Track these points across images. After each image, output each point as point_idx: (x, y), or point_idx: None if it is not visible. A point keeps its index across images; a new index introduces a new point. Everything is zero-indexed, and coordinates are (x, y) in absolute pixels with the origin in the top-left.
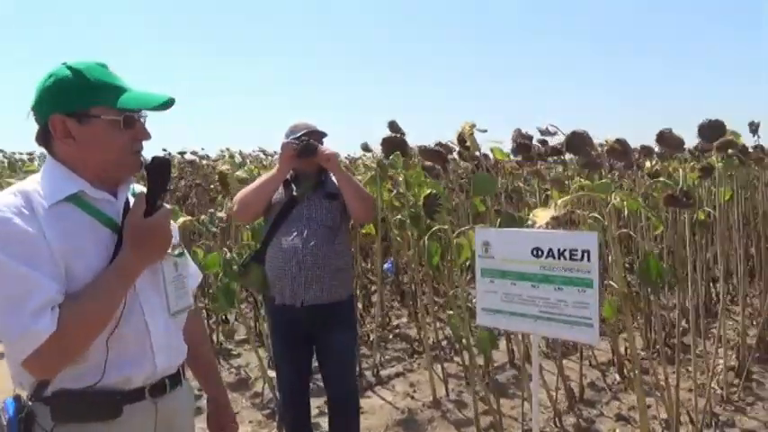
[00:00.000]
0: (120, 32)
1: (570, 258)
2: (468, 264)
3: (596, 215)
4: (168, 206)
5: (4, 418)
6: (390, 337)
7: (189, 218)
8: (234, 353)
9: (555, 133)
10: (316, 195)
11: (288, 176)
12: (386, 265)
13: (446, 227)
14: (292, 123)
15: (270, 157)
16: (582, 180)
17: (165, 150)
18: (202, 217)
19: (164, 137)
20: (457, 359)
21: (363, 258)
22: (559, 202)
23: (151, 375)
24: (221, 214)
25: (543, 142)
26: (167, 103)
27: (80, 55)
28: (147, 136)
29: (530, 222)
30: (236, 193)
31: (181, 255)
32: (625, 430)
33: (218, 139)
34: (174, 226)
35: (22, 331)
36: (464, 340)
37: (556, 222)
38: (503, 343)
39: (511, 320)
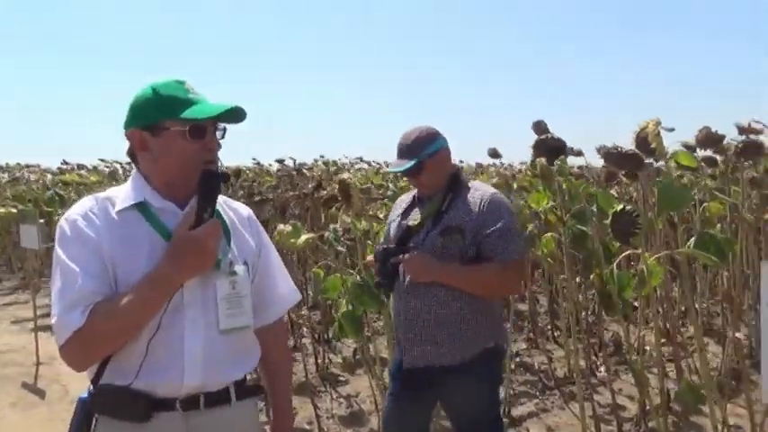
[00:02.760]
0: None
1: None
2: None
3: None
4: (215, 219)
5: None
6: (512, 366)
7: (312, 235)
8: (341, 379)
9: (761, 131)
10: (434, 227)
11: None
12: None
13: (638, 251)
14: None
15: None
16: None
17: (254, 160)
18: (326, 233)
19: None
20: (598, 397)
21: None
22: None
23: (177, 389)
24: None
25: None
26: (233, 112)
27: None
28: (215, 146)
29: None
30: (358, 205)
31: (234, 273)
32: None
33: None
34: (222, 243)
35: (56, 321)
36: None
37: None
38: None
39: None
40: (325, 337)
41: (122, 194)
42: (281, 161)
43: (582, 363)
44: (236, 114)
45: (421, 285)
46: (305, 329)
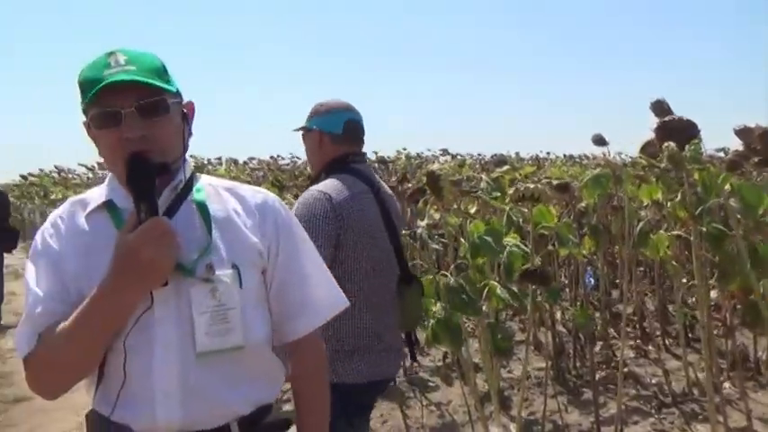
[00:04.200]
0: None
1: None
2: None
3: None
4: (162, 217)
5: None
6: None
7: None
8: (431, 384)
9: None
10: None
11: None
12: (587, 276)
13: None
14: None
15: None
16: None
17: (273, 157)
18: (418, 230)
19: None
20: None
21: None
22: None
23: (152, 426)
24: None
25: None
26: (118, 84)
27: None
28: (131, 133)
29: None
30: (450, 198)
31: (209, 280)
32: None
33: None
34: (208, 234)
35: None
36: None
37: None
38: None
39: None
40: (413, 337)
41: (96, 194)
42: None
43: (702, 376)
44: (146, 90)
45: None
46: None
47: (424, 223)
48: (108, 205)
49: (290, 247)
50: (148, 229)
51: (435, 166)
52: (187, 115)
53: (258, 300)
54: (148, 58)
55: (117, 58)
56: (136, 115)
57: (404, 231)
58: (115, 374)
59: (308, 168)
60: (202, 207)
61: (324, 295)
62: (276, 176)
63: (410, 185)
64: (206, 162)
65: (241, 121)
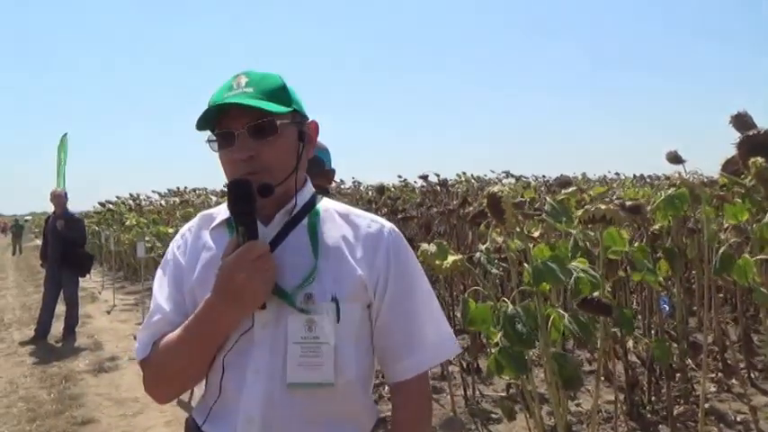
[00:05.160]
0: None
1: None
2: None
3: None
4: (258, 241)
5: None
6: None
7: (460, 257)
8: (494, 416)
9: None
10: None
11: None
12: (661, 303)
13: None
14: None
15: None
16: None
17: (399, 177)
18: (476, 254)
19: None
20: None
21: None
22: None
23: None
24: (486, 246)
25: None
26: (250, 109)
27: None
28: (239, 154)
29: None
30: (512, 221)
31: (305, 311)
32: None
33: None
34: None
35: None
36: None
37: None
38: None
39: None
40: (475, 365)
41: (223, 209)
42: (424, 177)
43: None
44: (256, 112)
45: None
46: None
47: (483, 247)
48: (228, 222)
49: (400, 283)
50: (243, 253)
51: (496, 188)
52: (307, 135)
53: (358, 336)
54: (269, 80)
55: (239, 80)
56: (247, 136)
57: (461, 256)
58: (213, 388)
59: (369, 193)
60: (312, 232)
61: (432, 339)
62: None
63: (471, 209)
64: None
65: None
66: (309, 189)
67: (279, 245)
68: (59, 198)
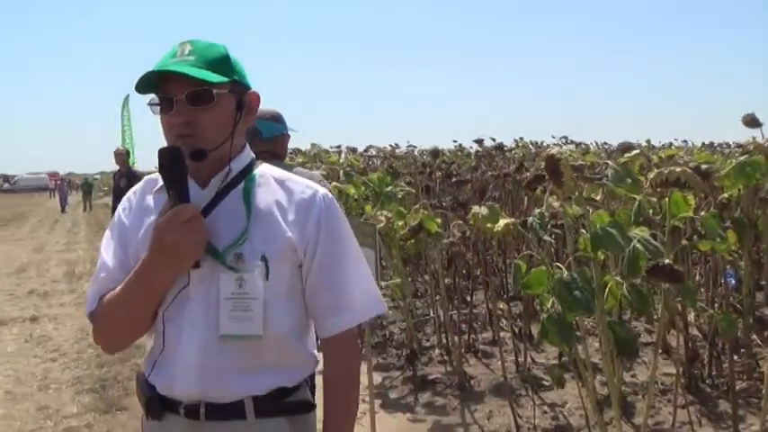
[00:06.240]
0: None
1: None
2: None
3: None
4: (188, 204)
5: None
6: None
7: (512, 220)
8: (545, 383)
9: None
10: None
11: None
12: (727, 276)
13: None
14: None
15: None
16: None
17: (455, 142)
18: (529, 219)
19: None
20: None
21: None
22: None
23: (168, 392)
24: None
25: None
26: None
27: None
28: (177, 119)
29: None
30: (570, 185)
31: (235, 270)
32: None
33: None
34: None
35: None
36: None
37: None
38: None
39: None
40: (527, 332)
41: None
42: (479, 141)
43: None
44: (195, 80)
45: None
46: (503, 322)
47: (536, 212)
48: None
49: (330, 247)
50: (173, 216)
51: (554, 150)
52: (246, 104)
53: (289, 293)
54: (212, 50)
55: (184, 48)
56: (185, 102)
57: (513, 219)
58: (158, 341)
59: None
60: (247, 196)
61: (359, 300)
62: (391, 164)
63: (527, 174)
64: (325, 150)
65: (361, 114)
66: (247, 155)
67: (214, 208)
68: (121, 156)
